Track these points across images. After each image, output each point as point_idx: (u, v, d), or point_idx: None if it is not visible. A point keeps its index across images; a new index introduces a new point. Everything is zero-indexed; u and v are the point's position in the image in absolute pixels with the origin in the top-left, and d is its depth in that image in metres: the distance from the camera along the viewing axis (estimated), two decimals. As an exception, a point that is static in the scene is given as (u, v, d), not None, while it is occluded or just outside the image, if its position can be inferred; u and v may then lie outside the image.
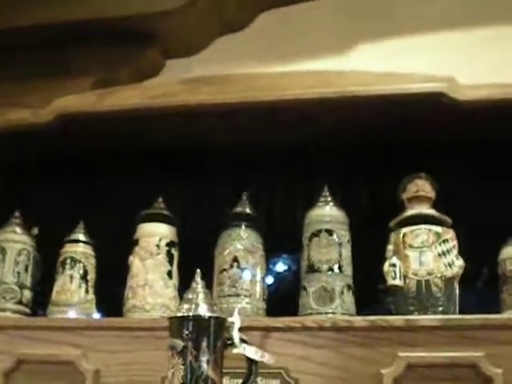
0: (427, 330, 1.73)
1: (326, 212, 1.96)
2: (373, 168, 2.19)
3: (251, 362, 1.56)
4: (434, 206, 1.94)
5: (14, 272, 2.12)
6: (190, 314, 1.52)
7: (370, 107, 1.99)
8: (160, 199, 2.10)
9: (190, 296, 1.58)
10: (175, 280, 2.03)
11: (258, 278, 1.97)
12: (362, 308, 1.90)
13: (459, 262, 1.86)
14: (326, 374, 1.76)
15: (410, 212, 1.93)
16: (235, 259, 1.96)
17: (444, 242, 1.87)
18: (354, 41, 2.27)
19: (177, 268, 2.04)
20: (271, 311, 1.95)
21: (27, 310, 2.11)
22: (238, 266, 1.95)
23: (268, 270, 2.05)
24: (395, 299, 1.87)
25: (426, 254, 1.86)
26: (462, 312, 1.82)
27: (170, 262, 2.03)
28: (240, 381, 1.58)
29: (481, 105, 1.91)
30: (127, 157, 2.31)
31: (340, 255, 1.90)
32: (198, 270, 1.63)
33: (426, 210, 1.92)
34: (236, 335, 1.54)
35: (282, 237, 2.17)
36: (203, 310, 1.53)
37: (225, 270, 1.96)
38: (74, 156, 2.34)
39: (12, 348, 1.94)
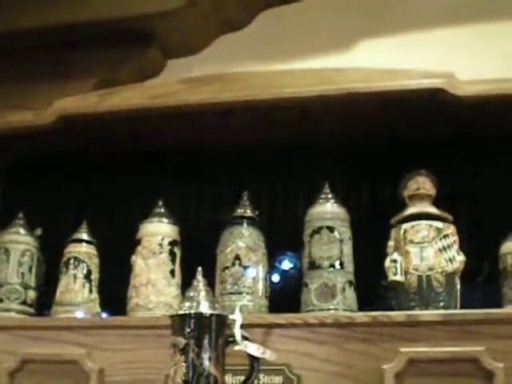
0: (428, 325, 1.74)
1: (327, 209, 1.96)
2: (373, 165, 2.19)
3: (253, 358, 1.57)
4: (435, 202, 1.94)
5: (18, 273, 2.13)
6: (192, 311, 1.54)
7: (370, 104, 2.00)
8: (161, 199, 2.11)
9: (192, 294, 1.59)
10: (178, 279, 2.03)
11: (260, 275, 1.97)
12: (364, 304, 1.90)
13: (460, 257, 1.86)
14: (328, 370, 1.77)
15: (410, 210, 1.93)
16: (237, 257, 1.97)
17: (445, 237, 1.87)
18: (352, 38, 2.27)
19: (179, 267, 2.05)
20: (274, 308, 1.96)
21: (31, 310, 2.12)
22: (240, 264, 1.96)
23: (270, 268, 2.05)
24: (396, 295, 1.87)
25: (427, 249, 1.86)
26: (463, 307, 1.82)
27: (173, 261, 2.03)
28: (242, 378, 1.59)
29: (481, 100, 1.91)
30: (128, 157, 2.32)
31: (341, 252, 1.91)
32: (200, 268, 1.64)
33: (427, 207, 1.92)
34: (238, 332, 1.55)
35: (284, 234, 2.17)
36: (205, 308, 1.55)
37: (227, 267, 1.97)
38: (76, 156, 2.35)
39: (16, 348, 1.95)
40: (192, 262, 1.73)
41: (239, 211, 2.05)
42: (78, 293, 2.07)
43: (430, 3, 2.26)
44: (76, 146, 2.30)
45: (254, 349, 1.56)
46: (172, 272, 2.02)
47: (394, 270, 1.85)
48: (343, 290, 1.87)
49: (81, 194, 2.39)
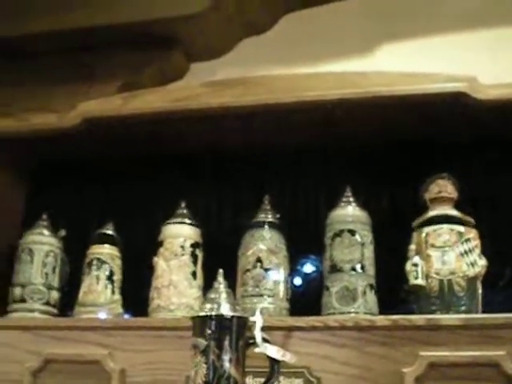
0: (449, 329, 1.73)
1: (349, 212, 1.96)
2: (394, 168, 2.18)
3: (273, 361, 1.57)
4: (457, 205, 1.94)
5: (41, 273, 2.15)
6: (213, 313, 1.55)
7: (393, 108, 1.99)
8: (183, 201, 2.12)
9: (213, 296, 1.60)
10: (199, 280, 2.04)
11: (282, 278, 1.98)
12: (385, 308, 1.90)
13: (482, 262, 1.85)
14: (348, 373, 1.77)
15: (432, 213, 1.93)
16: (258, 259, 1.97)
17: (466, 241, 1.86)
18: (376, 42, 2.28)
19: (201, 269, 2.06)
20: (295, 311, 1.96)
21: (54, 311, 2.15)
22: (262, 267, 1.96)
23: (291, 271, 2.05)
24: (418, 299, 1.87)
25: (449, 253, 1.86)
26: (484, 311, 1.81)
27: (195, 263, 2.05)
28: (262, 380, 1.60)
29: (503, 104, 1.90)
30: (150, 160, 2.34)
31: (362, 255, 1.91)
32: (221, 270, 1.65)
33: (449, 210, 1.92)
34: (258, 334, 1.56)
35: (305, 237, 2.17)
36: (225, 310, 1.55)
37: (248, 270, 1.97)
38: (99, 159, 2.37)
39: (39, 348, 1.97)
40: (213, 264, 1.74)
41: (261, 216, 2.06)
42: (100, 294, 2.09)
43: (453, 8, 2.26)
44: (99, 148, 2.31)
45: (274, 351, 1.56)
46: (193, 274, 2.03)
47: (415, 273, 1.85)
48: (364, 293, 1.87)
49: (104, 196, 2.41)
